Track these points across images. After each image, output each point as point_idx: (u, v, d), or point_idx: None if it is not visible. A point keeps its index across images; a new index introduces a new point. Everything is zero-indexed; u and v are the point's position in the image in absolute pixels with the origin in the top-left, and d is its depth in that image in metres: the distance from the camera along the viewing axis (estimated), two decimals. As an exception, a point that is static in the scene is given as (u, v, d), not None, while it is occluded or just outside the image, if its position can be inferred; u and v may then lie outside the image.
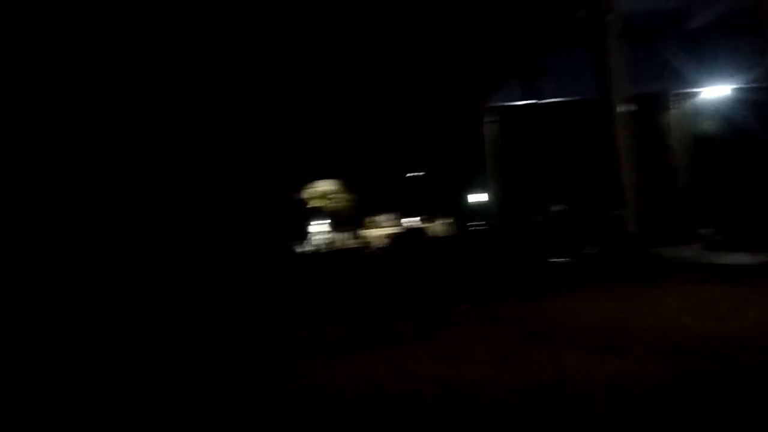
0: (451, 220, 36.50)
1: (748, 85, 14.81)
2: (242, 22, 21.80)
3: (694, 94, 17.91)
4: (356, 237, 45.56)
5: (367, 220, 47.56)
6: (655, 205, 15.98)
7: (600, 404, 3.18)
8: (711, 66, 15.95)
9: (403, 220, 44.67)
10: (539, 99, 17.06)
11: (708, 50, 15.91)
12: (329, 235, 48.23)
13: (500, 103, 20.36)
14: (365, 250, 36.19)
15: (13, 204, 15.71)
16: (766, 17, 7.71)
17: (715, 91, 17.05)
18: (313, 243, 45.26)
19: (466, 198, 27.08)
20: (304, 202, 45.05)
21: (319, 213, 46.65)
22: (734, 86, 16.15)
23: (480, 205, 24.15)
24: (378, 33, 23.23)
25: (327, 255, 34.06)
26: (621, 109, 12.00)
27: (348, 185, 44.97)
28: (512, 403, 3.30)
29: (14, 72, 15.72)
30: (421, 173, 39.30)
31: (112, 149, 19.21)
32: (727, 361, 3.82)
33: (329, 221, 47.33)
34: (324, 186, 46.22)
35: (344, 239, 46.99)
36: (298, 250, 37.45)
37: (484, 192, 23.37)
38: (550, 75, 16.37)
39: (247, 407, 3.61)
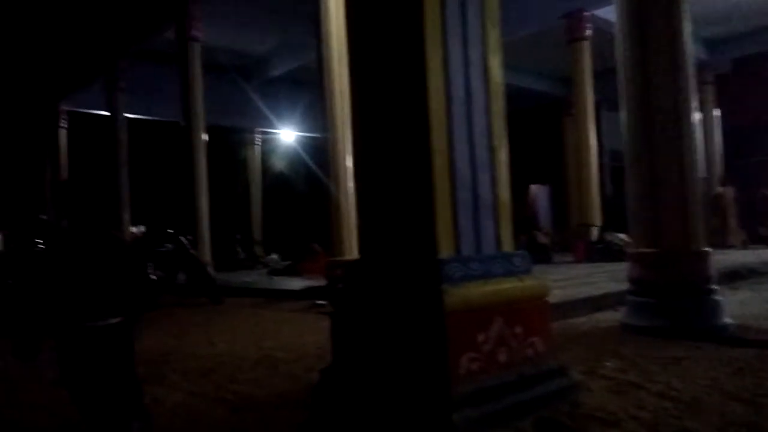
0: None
1: (309, 133, 17.05)
2: None
3: (274, 134, 19.67)
4: None
5: None
6: (230, 233, 16.83)
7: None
8: (286, 111, 17.79)
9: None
10: (121, 111, 15.46)
11: (284, 97, 17.58)
12: None
13: (74, 109, 17.64)
14: None
15: None
16: (321, 77, 8.98)
17: (288, 134, 19.20)
18: None
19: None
20: None
21: None
22: (300, 132, 18.49)
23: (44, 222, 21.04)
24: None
25: None
26: (203, 137, 12.13)
27: None
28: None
29: None
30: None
31: None
32: (254, 384, 4.17)
33: None
34: None
35: None
36: None
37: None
38: (135, 89, 15.15)
39: None
